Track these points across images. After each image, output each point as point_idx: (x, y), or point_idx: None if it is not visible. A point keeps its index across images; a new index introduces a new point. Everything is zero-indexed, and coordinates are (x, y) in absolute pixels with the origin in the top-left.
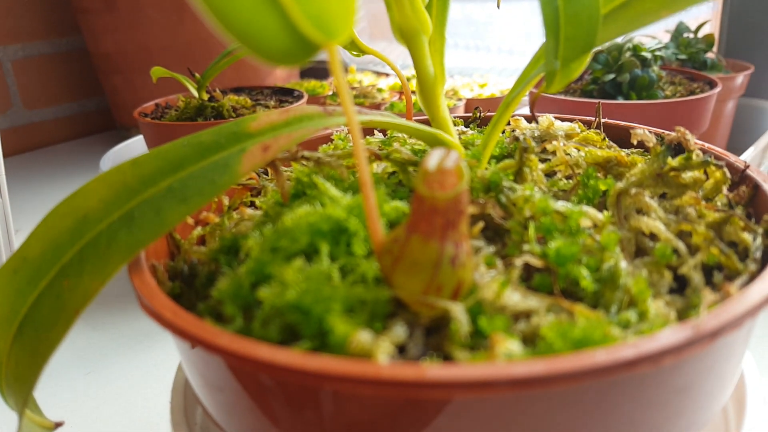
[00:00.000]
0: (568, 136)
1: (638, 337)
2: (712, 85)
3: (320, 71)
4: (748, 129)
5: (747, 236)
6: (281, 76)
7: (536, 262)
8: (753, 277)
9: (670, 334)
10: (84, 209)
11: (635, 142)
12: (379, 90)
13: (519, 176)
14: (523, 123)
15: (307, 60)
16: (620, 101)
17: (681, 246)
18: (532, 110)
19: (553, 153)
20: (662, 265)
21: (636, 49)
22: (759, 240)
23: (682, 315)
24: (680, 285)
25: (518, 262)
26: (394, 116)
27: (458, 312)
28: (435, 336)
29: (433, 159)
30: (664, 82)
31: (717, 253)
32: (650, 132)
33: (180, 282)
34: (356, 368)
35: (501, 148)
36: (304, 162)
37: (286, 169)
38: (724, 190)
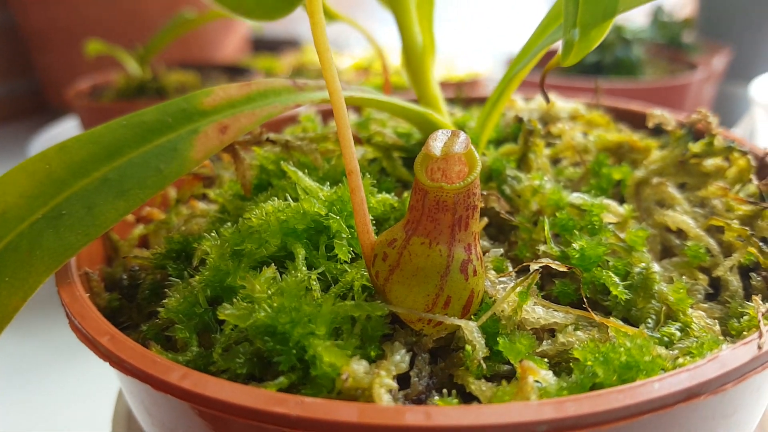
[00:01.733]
0: (573, 118)
1: (688, 358)
2: (692, 67)
3: (274, 44)
4: (727, 112)
5: None
6: (231, 51)
7: (558, 267)
8: None
9: (732, 356)
10: (1, 205)
11: (651, 125)
12: (339, 71)
13: (523, 163)
14: (520, 103)
15: (284, 14)
16: (604, 84)
17: (713, 244)
18: (542, 87)
19: (558, 137)
20: (694, 266)
21: (619, 31)
22: None
23: (723, 326)
24: (712, 287)
25: (536, 266)
26: (377, 93)
27: (472, 332)
28: (443, 361)
29: (438, 142)
30: (645, 63)
31: (755, 252)
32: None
33: (119, 293)
34: (353, 415)
35: (497, 130)
36: (270, 146)
37: (247, 154)
38: (753, 179)
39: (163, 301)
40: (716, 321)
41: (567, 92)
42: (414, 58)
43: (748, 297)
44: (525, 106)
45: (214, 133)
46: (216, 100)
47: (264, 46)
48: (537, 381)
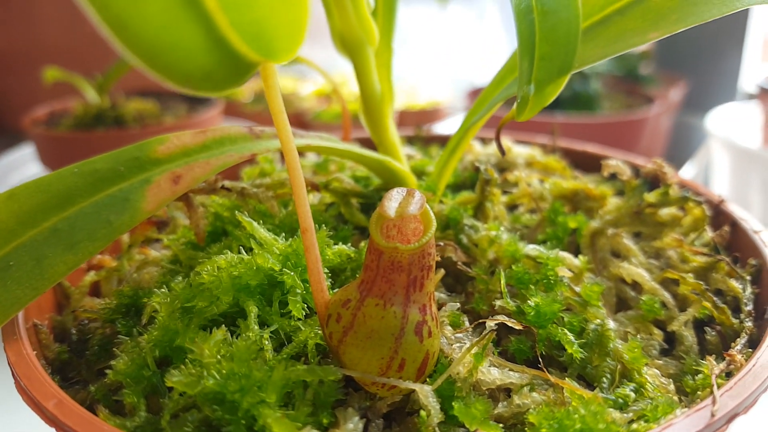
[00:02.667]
0: (529, 164)
1: (643, 423)
2: (649, 100)
3: None
4: (684, 144)
5: (736, 284)
6: None
7: (514, 324)
8: (752, 336)
9: (686, 425)
10: None
11: (606, 174)
12: (301, 98)
13: (480, 211)
14: (478, 147)
15: (237, 85)
16: (562, 118)
17: (668, 297)
18: (498, 141)
19: (514, 184)
20: (649, 320)
21: None
22: (749, 289)
23: (678, 382)
24: (667, 340)
25: (491, 324)
26: (334, 140)
27: (427, 396)
28: (397, 425)
29: (393, 202)
30: (602, 97)
31: (710, 307)
32: (623, 163)
33: (68, 346)
34: None
35: (455, 175)
36: (225, 193)
37: (202, 199)
38: (707, 229)
39: (111, 362)
40: (671, 380)
41: (526, 128)
42: (372, 105)
43: (703, 352)
44: (482, 150)
45: (167, 183)
46: (170, 148)
47: None
48: None
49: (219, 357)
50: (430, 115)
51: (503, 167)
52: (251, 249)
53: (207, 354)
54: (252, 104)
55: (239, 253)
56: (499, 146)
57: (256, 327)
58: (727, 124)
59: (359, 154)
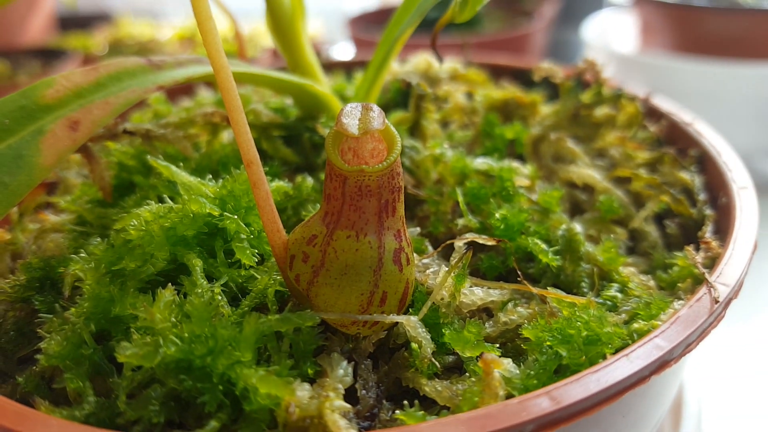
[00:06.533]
0: (453, 78)
1: (642, 322)
2: (527, 15)
3: (84, 21)
4: (561, 59)
5: (685, 175)
6: (38, 32)
7: (486, 241)
8: (716, 222)
9: (691, 315)
10: None
11: (537, 79)
12: (162, 44)
13: (416, 131)
14: (395, 66)
15: None
16: (448, 39)
17: (622, 196)
18: (434, 46)
19: (444, 100)
20: (608, 221)
21: None
22: (697, 179)
23: (653, 278)
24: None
25: (460, 243)
26: (244, 65)
27: (416, 328)
28: (384, 363)
29: (351, 119)
30: (483, 16)
31: (668, 200)
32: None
33: None
34: None
35: (376, 99)
36: (128, 138)
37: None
38: (645, 125)
39: (40, 344)
40: (649, 276)
41: (414, 50)
42: (283, 21)
43: (667, 246)
44: (401, 68)
45: (64, 131)
46: (60, 91)
47: (73, 23)
48: (500, 375)
49: (174, 320)
50: None
51: (428, 83)
52: (173, 198)
53: (159, 319)
54: (107, 56)
55: (161, 203)
56: (436, 53)
57: (205, 282)
58: (602, 34)
59: (277, 79)
